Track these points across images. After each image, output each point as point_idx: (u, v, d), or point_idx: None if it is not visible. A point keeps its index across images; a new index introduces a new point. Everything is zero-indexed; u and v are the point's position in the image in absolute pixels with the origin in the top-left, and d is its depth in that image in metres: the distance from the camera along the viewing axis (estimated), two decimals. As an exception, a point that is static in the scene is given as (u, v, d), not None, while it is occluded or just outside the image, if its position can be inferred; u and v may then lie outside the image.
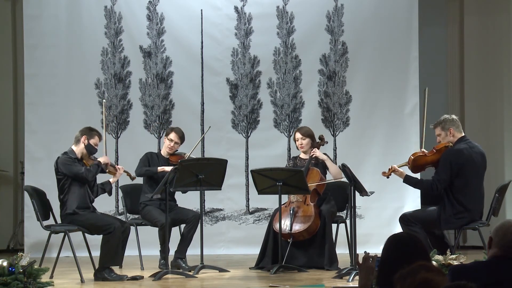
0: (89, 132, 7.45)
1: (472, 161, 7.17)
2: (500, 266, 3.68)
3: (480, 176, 7.25)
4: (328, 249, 7.77)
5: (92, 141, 7.43)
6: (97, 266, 7.34)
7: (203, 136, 8.07)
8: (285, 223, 7.83)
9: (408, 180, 7.33)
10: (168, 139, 8.19)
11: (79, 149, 7.44)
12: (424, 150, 7.38)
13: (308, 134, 8.09)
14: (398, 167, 7.30)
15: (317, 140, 8.13)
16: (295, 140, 8.17)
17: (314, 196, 7.95)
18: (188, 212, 8.06)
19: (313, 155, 8.00)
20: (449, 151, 7.19)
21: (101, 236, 7.35)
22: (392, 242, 3.54)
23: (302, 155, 8.18)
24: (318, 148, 8.10)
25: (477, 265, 3.79)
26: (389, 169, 7.31)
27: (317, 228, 7.80)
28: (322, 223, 7.82)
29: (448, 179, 7.11)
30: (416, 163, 7.30)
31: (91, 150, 7.47)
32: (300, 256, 7.84)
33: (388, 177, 7.41)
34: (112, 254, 7.22)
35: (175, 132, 8.20)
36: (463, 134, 7.31)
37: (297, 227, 7.80)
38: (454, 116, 7.37)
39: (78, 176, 7.32)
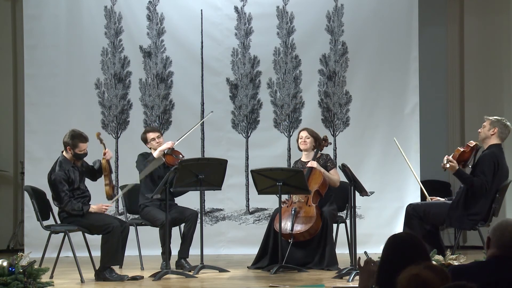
0: (71, 142, 7.35)
1: (504, 169, 7.25)
2: (500, 266, 3.68)
3: (503, 185, 7.32)
4: (328, 250, 7.77)
5: (77, 150, 7.35)
6: (97, 266, 7.34)
7: (201, 122, 8.10)
8: (286, 223, 7.83)
9: (459, 173, 7.21)
10: (149, 140, 8.18)
11: (69, 155, 7.41)
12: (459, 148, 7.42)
13: (313, 134, 8.11)
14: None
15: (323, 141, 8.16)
16: (298, 140, 8.17)
17: (316, 197, 7.95)
18: (186, 210, 8.06)
19: (308, 164, 7.99)
20: (493, 153, 7.20)
21: (100, 236, 7.34)
22: (393, 242, 3.54)
23: (304, 158, 8.17)
24: (322, 150, 8.12)
25: (477, 265, 3.80)
26: (444, 163, 7.24)
27: (318, 229, 7.80)
28: (324, 224, 7.83)
29: (492, 180, 7.14)
30: (460, 158, 7.31)
31: (79, 157, 7.41)
32: (300, 256, 7.83)
33: (445, 170, 7.35)
34: (112, 254, 7.22)
35: (151, 131, 8.25)
36: (500, 143, 7.30)
37: (298, 227, 7.80)
38: (509, 124, 7.33)
39: (58, 201, 7.27)
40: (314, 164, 7.97)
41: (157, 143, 8.19)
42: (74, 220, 7.35)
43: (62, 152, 7.43)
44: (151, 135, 8.21)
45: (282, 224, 7.75)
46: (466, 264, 3.86)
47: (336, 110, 9.69)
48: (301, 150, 8.21)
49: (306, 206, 7.91)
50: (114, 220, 7.41)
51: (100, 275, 7.22)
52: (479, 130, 7.39)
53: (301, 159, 8.21)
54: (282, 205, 7.78)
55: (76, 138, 7.36)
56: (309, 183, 7.85)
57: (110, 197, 7.54)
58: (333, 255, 7.78)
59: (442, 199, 7.57)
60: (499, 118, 7.34)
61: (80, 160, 7.45)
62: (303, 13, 9.70)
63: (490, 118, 7.34)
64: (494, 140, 7.27)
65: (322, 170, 8.00)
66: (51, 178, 7.32)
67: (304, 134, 8.12)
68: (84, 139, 7.40)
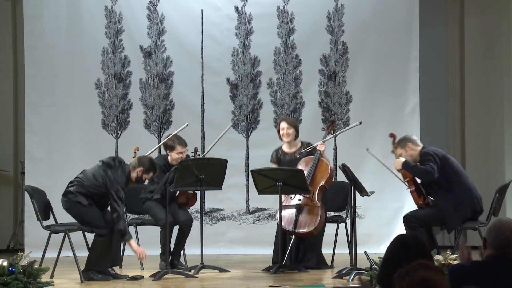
0: (146, 169, 7.30)
1: (447, 156, 7.50)
2: (497, 266, 3.69)
3: (460, 169, 7.57)
4: (316, 249, 7.83)
5: (145, 176, 7.34)
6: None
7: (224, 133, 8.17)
8: (289, 220, 7.79)
9: (406, 164, 7.48)
10: (176, 153, 7.93)
11: (133, 175, 7.31)
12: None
13: (294, 124, 8.10)
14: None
15: (329, 123, 8.20)
16: (279, 130, 8.11)
17: (320, 193, 7.87)
18: (182, 214, 8.00)
19: (317, 146, 7.93)
20: (426, 152, 7.45)
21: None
22: (398, 242, 3.53)
23: (285, 148, 8.12)
24: (332, 132, 8.14)
25: (474, 265, 3.80)
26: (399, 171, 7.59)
27: (321, 228, 7.79)
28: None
29: (438, 168, 7.30)
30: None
31: (140, 181, 7.40)
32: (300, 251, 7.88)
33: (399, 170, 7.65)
34: (97, 259, 7.17)
35: (181, 145, 7.97)
36: (422, 145, 7.59)
37: (301, 228, 7.74)
38: (407, 135, 7.74)
39: (113, 207, 7.13)
40: (322, 147, 7.92)
41: (181, 157, 8.00)
42: (74, 207, 7.20)
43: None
44: (180, 149, 7.98)
45: (285, 218, 7.74)
46: (464, 264, 3.85)
47: (336, 110, 9.69)
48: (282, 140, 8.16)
49: (311, 203, 7.87)
50: (108, 226, 7.22)
51: (85, 275, 7.17)
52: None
53: (283, 149, 8.15)
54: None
55: (152, 168, 7.36)
56: (315, 175, 7.82)
57: None
58: (320, 255, 7.83)
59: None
60: (398, 139, 7.65)
61: (138, 183, 7.47)
62: (303, 13, 9.70)
63: (395, 145, 7.63)
64: (417, 149, 7.52)
65: (326, 158, 8.00)
66: (107, 179, 7.17)
67: (285, 125, 8.04)
68: (156, 171, 7.45)
